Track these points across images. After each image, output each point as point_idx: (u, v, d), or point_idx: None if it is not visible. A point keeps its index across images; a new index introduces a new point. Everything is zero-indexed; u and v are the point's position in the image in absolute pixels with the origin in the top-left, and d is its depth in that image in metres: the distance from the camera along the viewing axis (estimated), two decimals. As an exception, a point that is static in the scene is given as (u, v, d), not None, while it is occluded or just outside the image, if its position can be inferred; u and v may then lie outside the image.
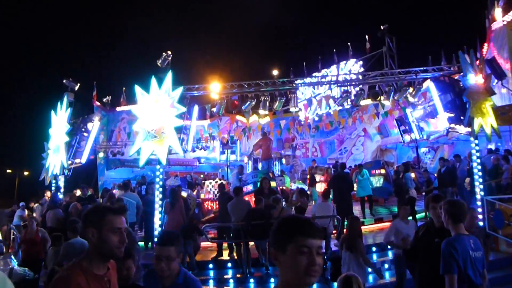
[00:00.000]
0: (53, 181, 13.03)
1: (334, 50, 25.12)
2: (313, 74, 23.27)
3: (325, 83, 14.86)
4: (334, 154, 25.90)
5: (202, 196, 14.65)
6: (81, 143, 13.02)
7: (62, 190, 12.71)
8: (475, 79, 10.49)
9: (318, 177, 17.43)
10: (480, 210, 9.96)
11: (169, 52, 11.04)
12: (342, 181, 11.08)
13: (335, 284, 4.75)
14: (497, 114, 11.20)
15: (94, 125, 13.28)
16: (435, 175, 13.27)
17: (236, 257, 8.99)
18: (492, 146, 14.97)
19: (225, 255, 9.76)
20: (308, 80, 17.42)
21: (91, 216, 2.27)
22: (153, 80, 10.22)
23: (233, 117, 20.76)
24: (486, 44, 14.91)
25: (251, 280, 8.36)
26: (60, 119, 12.62)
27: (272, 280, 8.34)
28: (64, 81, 12.99)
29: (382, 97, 12.34)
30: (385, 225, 11.43)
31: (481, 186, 10.25)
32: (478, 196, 10.12)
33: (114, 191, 15.33)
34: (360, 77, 14.04)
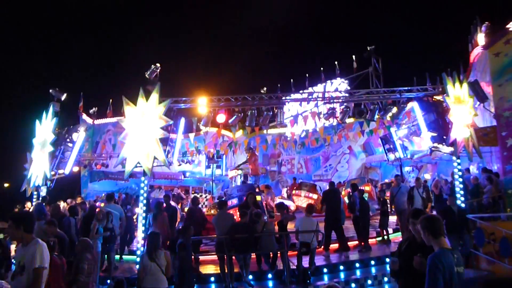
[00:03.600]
0: (35, 193, 12.74)
1: (322, 68, 25.56)
2: (300, 91, 23.57)
3: (312, 99, 15.03)
4: (319, 170, 26.07)
5: (186, 209, 14.52)
6: (65, 154, 12.82)
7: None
8: (457, 100, 10.76)
9: (303, 193, 17.51)
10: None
11: (158, 64, 11.09)
12: (333, 196, 11.21)
13: None
14: (479, 135, 11.46)
15: (79, 136, 13.12)
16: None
17: (220, 271, 8.89)
18: (474, 167, 15.27)
19: (209, 269, 9.67)
20: (295, 96, 17.60)
21: None
22: (141, 92, 10.22)
23: (219, 131, 20.76)
24: (469, 68, 15.33)
25: (234, 295, 8.29)
26: (44, 129, 12.45)
27: (255, 295, 8.28)
28: (50, 90, 12.84)
29: (367, 115, 12.53)
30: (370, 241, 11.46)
31: (463, 205, 10.42)
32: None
33: (97, 203, 15.11)
34: (345, 94, 14.27)
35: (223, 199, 13.23)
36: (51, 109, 12.51)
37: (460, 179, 10.79)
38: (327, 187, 12.67)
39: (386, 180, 19.80)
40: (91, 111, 23.71)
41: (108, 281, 9.02)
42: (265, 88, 22.86)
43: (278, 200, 16.26)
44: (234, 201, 12.76)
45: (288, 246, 9.12)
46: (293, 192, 19.04)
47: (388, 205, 12.51)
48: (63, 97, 12.89)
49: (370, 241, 11.37)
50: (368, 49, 24.93)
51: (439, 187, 13.83)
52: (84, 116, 23.31)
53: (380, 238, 12.14)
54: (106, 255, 9.39)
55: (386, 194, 13.69)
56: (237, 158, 24.59)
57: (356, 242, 11.50)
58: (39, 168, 12.15)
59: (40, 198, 11.94)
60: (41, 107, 12.96)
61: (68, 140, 12.77)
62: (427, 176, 20.44)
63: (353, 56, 25.68)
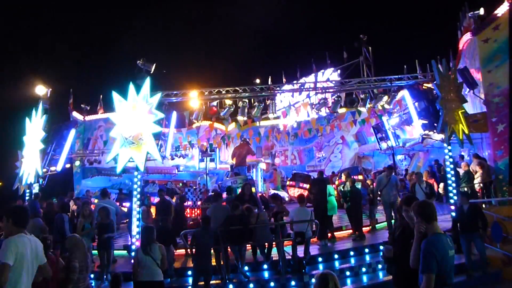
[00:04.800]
0: (27, 190, 12.67)
1: (312, 59, 25.56)
2: (292, 82, 23.56)
3: (303, 89, 15.02)
4: (312, 161, 26.17)
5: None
6: (57, 151, 12.73)
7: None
8: (447, 87, 10.81)
9: (297, 184, 17.59)
10: (454, 214, 10.24)
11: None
12: (320, 185, 11.21)
13: None
14: (469, 121, 11.54)
15: (70, 133, 13.04)
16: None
17: (215, 263, 8.92)
18: (465, 153, 15.40)
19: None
20: (287, 87, 17.60)
21: None
22: (131, 86, 10.13)
23: (212, 124, 20.72)
24: (458, 55, 15.39)
25: (230, 286, 8.33)
26: (35, 127, 12.34)
27: (251, 285, 8.33)
28: (38, 87, 12.71)
29: (358, 105, 12.58)
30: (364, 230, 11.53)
31: (455, 191, 10.51)
32: (452, 201, 10.40)
33: (92, 199, 15.06)
34: (337, 83, 14.29)
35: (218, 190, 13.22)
36: (40, 107, 12.41)
37: (452, 166, 10.87)
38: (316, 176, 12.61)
39: (379, 169, 19.93)
40: (82, 105, 23.57)
41: (105, 276, 9.03)
42: (257, 80, 22.98)
43: (272, 191, 16.32)
44: (228, 193, 12.77)
45: (284, 237, 9.18)
46: (288, 183, 19.14)
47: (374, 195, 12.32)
48: (47, 92, 12.71)
49: (364, 229, 11.45)
50: (361, 38, 25.00)
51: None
52: (75, 113, 23.16)
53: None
54: (97, 251, 9.36)
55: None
56: (230, 151, 24.56)
57: (351, 231, 11.58)
58: (30, 166, 12.06)
59: (33, 195, 11.84)
60: (30, 104, 12.86)
61: (59, 137, 12.66)
62: (419, 164, 20.61)
63: (344, 46, 25.77)
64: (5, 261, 3.67)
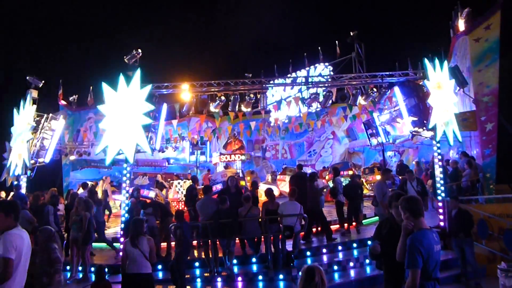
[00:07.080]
0: (15, 182, 12.49)
1: (305, 54, 25.54)
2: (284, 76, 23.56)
3: (295, 84, 15.01)
4: (303, 156, 26.28)
5: (170, 196, 14.50)
6: (45, 142, 12.56)
7: (24, 190, 12.09)
8: (438, 85, 10.88)
9: (287, 178, 17.64)
10: (441, 210, 10.36)
11: (139, 50, 10.89)
12: (301, 180, 11.16)
13: None
14: (459, 120, 11.65)
15: (59, 124, 12.87)
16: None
17: (204, 256, 8.92)
18: (454, 151, 15.56)
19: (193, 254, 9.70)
20: (279, 81, 17.58)
21: None
22: (121, 78, 10.04)
23: (203, 117, 20.65)
24: (450, 53, 15.48)
25: (218, 279, 8.36)
26: (23, 117, 12.17)
27: (239, 278, 8.36)
28: (27, 78, 12.53)
29: (350, 100, 12.60)
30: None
31: (443, 188, 10.63)
32: (440, 198, 10.51)
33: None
34: (328, 78, 14.31)
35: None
36: (28, 97, 12.22)
37: (440, 163, 10.96)
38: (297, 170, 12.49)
39: (369, 166, 20.08)
40: (71, 98, 23.26)
41: (93, 268, 9.01)
42: (250, 75, 22.91)
43: (261, 185, 16.34)
44: (219, 186, 12.79)
45: (276, 231, 9.13)
46: (278, 177, 19.22)
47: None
48: (41, 84, 12.60)
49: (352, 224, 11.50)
50: (351, 34, 25.05)
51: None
52: (64, 104, 22.89)
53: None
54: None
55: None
56: (221, 144, 24.56)
57: (338, 226, 11.62)
58: (18, 157, 11.90)
59: (14, 187, 11.67)
60: (18, 95, 12.66)
61: (47, 128, 12.48)
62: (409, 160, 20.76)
63: (336, 42, 25.79)
64: (8, 256, 3.74)
